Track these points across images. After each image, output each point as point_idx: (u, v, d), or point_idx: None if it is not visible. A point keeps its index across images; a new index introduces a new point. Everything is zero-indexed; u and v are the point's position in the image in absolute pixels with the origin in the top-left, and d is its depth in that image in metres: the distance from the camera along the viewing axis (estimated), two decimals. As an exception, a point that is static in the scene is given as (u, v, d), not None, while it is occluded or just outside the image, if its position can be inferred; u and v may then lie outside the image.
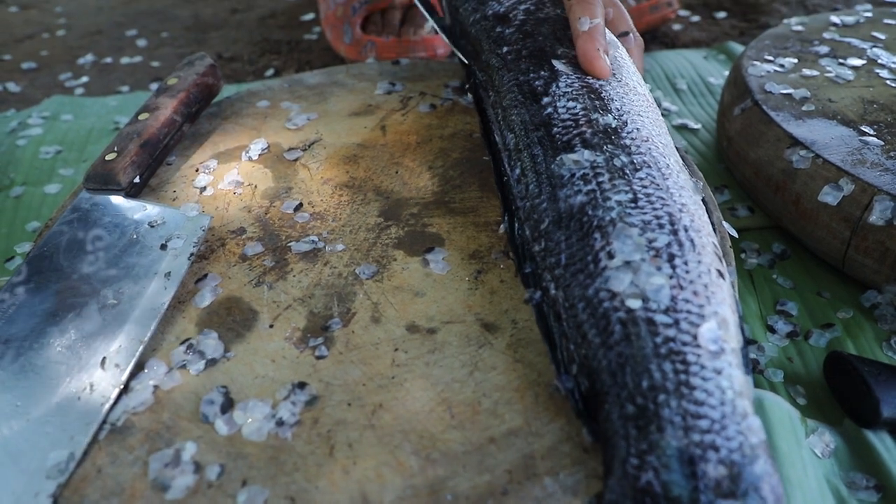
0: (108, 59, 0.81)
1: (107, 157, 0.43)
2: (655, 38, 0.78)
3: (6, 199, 0.57)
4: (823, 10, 0.81)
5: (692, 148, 0.60)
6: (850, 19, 0.61)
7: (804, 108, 0.47)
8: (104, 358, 0.32)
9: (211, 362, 0.32)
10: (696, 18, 0.83)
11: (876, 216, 0.37)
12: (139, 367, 0.32)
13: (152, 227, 0.40)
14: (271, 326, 0.34)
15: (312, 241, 0.39)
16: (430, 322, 0.34)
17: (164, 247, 0.38)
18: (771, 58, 0.55)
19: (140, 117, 0.47)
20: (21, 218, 0.55)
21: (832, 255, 0.42)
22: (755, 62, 0.54)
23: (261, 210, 0.42)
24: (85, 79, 0.77)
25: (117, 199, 0.42)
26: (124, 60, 0.81)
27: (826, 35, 0.59)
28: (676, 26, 0.81)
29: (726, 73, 0.70)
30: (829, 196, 0.39)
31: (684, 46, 0.77)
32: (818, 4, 0.83)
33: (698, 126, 0.62)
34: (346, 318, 0.34)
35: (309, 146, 0.49)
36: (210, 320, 0.35)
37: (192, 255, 0.38)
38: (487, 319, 0.33)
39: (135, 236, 0.39)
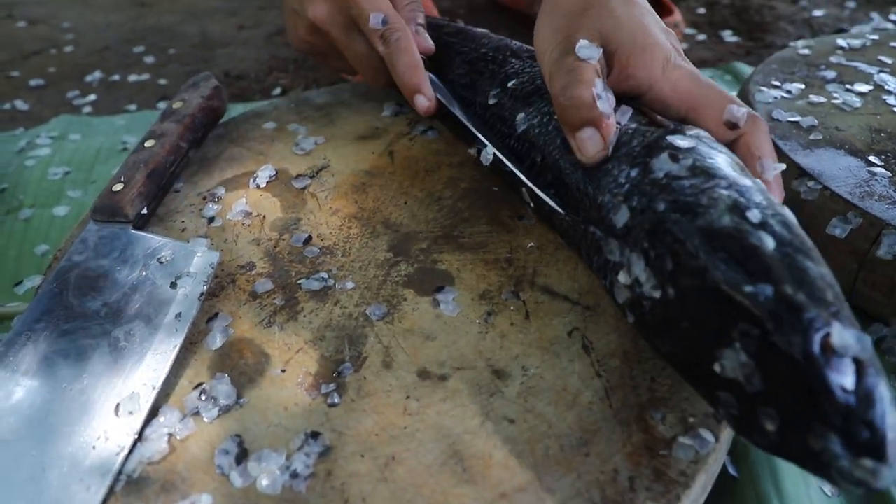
0: (116, 77, 0.81)
1: (114, 188, 0.43)
2: (663, 54, 0.78)
3: (15, 221, 0.58)
4: (829, 28, 0.81)
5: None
6: (856, 42, 0.61)
7: (812, 136, 0.46)
8: (118, 404, 0.33)
9: (224, 409, 0.33)
10: (702, 37, 0.82)
11: (884, 250, 0.37)
12: (153, 413, 0.33)
13: (161, 263, 0.40)
14: (283, 371, 0.34)
15: (322, 278, 0.39)
16: (441, 368, 0.34)
17: (174, 285, 0.38)
18: (778, 83, 0.55)
19: (146, 144, 0.47)
20: (30, 241, 0.56)
21: (840, 288, 0.42)
22: (762, 88, 0.54)
23: (270, 243, 0.42)
24: (92, 97, 0.77)
25: (125, 232, 0.42)
26: (132, 78, 0.81)
27: (833, 59, 0.59)
28: (682, 46, 0.80)
29: (733, 93, 0.70)
30: (837, 229, 0.39)
31: (692, 64, 0.76)
32: (823, 24, 0.82)
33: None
34: (357, 363, 0.34)
35: (317, 173, 0.49)
36: (222, 363, 0.35)
37: (202, 294, 0.38)
38: (498, 365, 0.33)
39: (144, 273, 0.39)
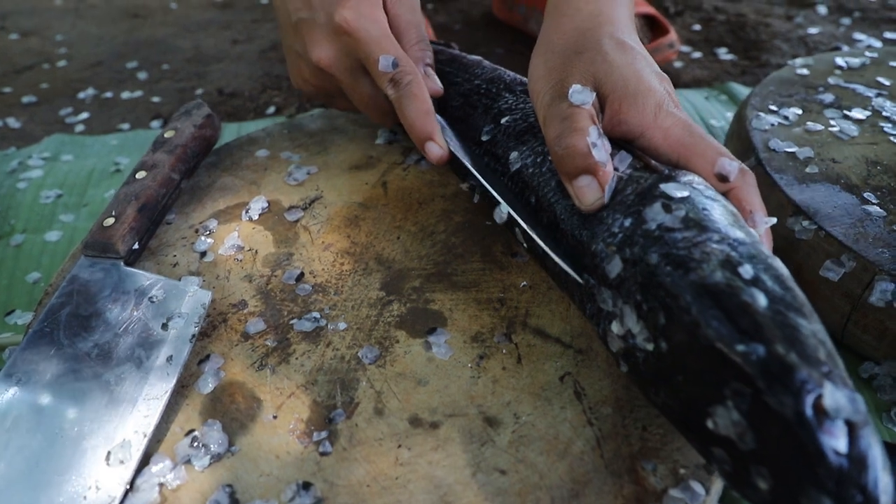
0: (109, 94, 0.81)
1: (105, 223, 0.43)
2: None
3: (6, 247, 0.57)
4: (824, 47, 0.81)
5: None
6: (855, 61, 0.61)
7: (808, 169, 0.46)
8: (109, 452, 0.32)
9: (216, 457, 0.33)
10: (697, 55, 0.82)
11: (876, 297, 0.37)
12: (144, 462, 0.32)
13: (153, 302, 0.40)
14: (275, 417, 0.34)
15: (315, 318, 0.39)
16: (433, 415, 0.34)
17: (165, 326, 0.38)
18: (775, 108, 0.54)
19: (137, 176, 0.47)
20: (21, 268, 0.55)
21: (830, 327, 0.42)
22: (759, 113, 0.53)
23: (262, 280, 0.42)
24: (85, 115, 0.77)
25: (116, 268, 0.42)
26: (125, 95, 0.80)
27: (831, 80, 0.58)
28: (678, 63, 0.80)
29: (728, 114, 0.70)
30: (830, 272, 0.39)
31: (685, 86, 0.76)
32: (819, 41, 0.82)
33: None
34: (349, 409, 0.34)
35: (309, 204, 0.48)
36: (214, 408, 0.35)
37: (193, 336, 0.38)
38: (490, 412, 0.34)
39: (135, 313, 0.39)
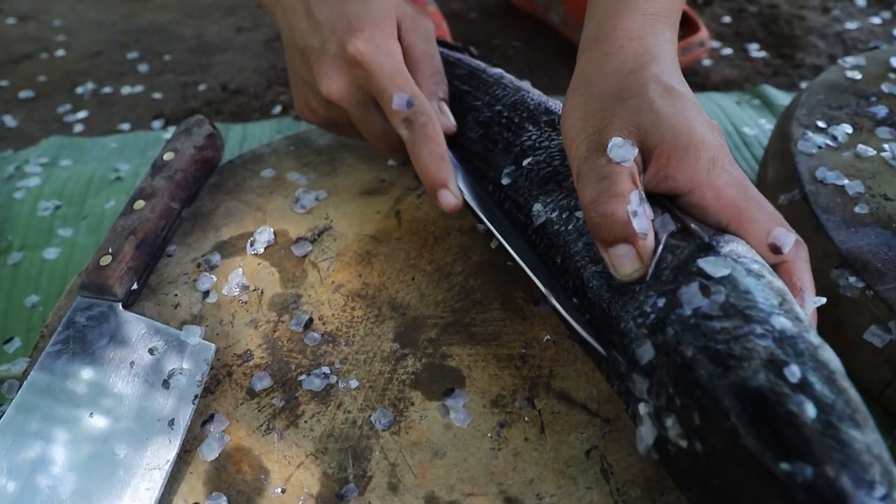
0: (108, 89, 0.77)
1: (101, 262, 0.40)
2: (684, 76, 0.73)
3: (3, 266, 0.55)
4: (861, 45, 0.76)
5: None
6: None
7: (857, 209, 0.43)
8: (108, 531, 0.31)
9: (220, 537, 0.31)
10: (727, 51, 0.77)
11: (926, 368, 0.35)
12: (145, 539, 0.31)
13: (153, 354, 0.37)
14: (283, 491, 0.32)
15: (325, 373, 0.37)
16: (450, 493, 0.32)
17: (166, 384, 0.36)
18: (823, 124, 0.50)
19: (135, 206, 0.44)
20: (19, 290, 0.53)
21: (869, 387, 0.39)
22: (806, 130, 0.49)
23: (268, 326, 0.40)
24: (84, 113, 0.74)
25: (114, 312, 0.39)
26: (125, 90, 0.77)
27: (884, 87, 0.54)
28: (707, 62, 0.76)
29: (762, 121, 0.66)
30: (875, 337, 0.36)
31: (715, 87, 0.72)
32: (856, 38, 0.77)
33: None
34: (361, 484, 0.32)
35: (318, 235, 0.46)
36: (219, 478, 0.33)
37: (196, 397, 0.35)
38: (510, 492, 0.31)
39: (133, 367, 0.37)
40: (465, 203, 0.40)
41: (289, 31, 0.43)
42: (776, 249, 0.31)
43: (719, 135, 0.33)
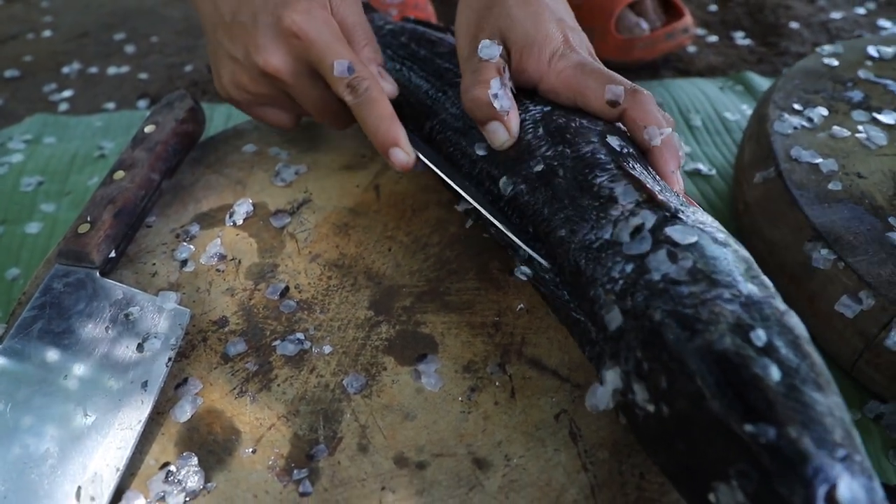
0: (94, 69, 0.77)
1: (79, 230, 0.41)
2: (668, 62, 0.74)
3: (-16, 240, 0.55)
4: (846, 34, 0.77)
5: (703, 198, 0.57)
6: (888, 50, 0.57)
7: (830, 185, 0.43)
8: (79, 488, 0.31)
9: (191, 494, 0.31)
10: (712, 39, 0.78)
11: (893, 340, 0.35)
12: (117, 497, 0.31)
13: (129, 319, 0.37)
14: (254, 451, 0.32)
15: (299, 339, 0.37)
16: (419, 454, 0.32)
17: (140, 347, 0.36)
18: (800, 107, 0.51)
19: (115, 176, 0.44)
20: (0, 264, 0.53)
21: (841, 360, 0.40)
22: (783, 112, 0.50)
23: (244, 294, 0.40)
24: (69, 92, 0.73)
25: (91, 279, 0.39)
26: (111, 70, 0.77)
27: (861, 73, 0.55)
28: (691, 48, 0.76)
29: (744, 106, 0.66)
30: (846, 308, 0.37)
31: (699, 73, 0.72)
32: (841, 28, 0.78)
33: (713, 172, 0.59)
34: (331, 445, 0.32)
35: (297, 208, 0.46)
36: (190, 438, 0.33)
37: (170, 360, 0.36)
38: (479, 454, 0.32)
39: (109, 331, 0.37)
40: (432, 171, 0.40)
41: (212, 8, 0.43)
42: (613, 104, 0.35)
43: (568, 29, 0.39)
